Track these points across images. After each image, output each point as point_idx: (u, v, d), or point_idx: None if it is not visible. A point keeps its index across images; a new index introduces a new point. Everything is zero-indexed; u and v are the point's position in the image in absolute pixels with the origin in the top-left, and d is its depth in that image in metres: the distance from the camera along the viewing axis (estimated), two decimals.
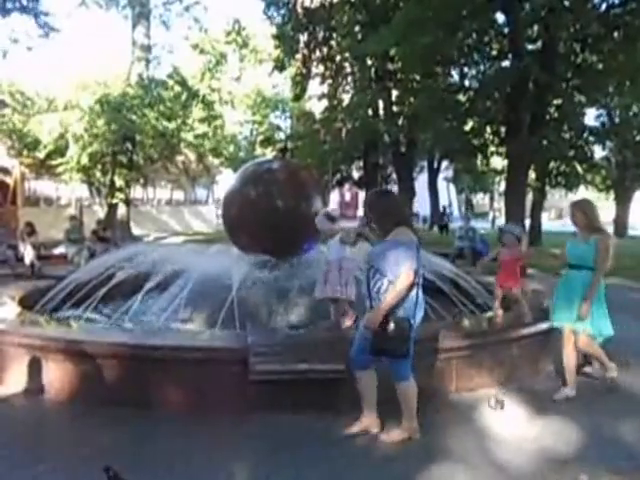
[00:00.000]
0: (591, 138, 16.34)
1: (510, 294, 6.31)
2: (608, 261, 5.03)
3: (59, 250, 14.51)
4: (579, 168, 19.24)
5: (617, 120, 19.70)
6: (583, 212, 5.21)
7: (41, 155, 25.12)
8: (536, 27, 13.53)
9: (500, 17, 13.41)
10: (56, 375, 5.04)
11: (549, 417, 4.73)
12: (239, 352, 4.80)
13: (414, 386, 4.24)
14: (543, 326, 6.00)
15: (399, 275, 3.99)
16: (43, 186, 28.79)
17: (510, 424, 4.61)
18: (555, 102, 14.24)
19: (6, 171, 22.14)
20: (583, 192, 33.64)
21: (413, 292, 4.09)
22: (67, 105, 26.29)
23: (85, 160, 23.23)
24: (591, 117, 19.72)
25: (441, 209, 33.90)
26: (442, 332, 5.52)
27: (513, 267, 6.18)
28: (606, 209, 36.91)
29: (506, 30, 13.34)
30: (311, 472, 3.81)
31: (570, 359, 5.18)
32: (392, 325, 3.96)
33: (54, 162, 24.49)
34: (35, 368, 5.01)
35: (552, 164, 19.46)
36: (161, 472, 3.81)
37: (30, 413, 4.70)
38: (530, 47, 13.76)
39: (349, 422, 4.36)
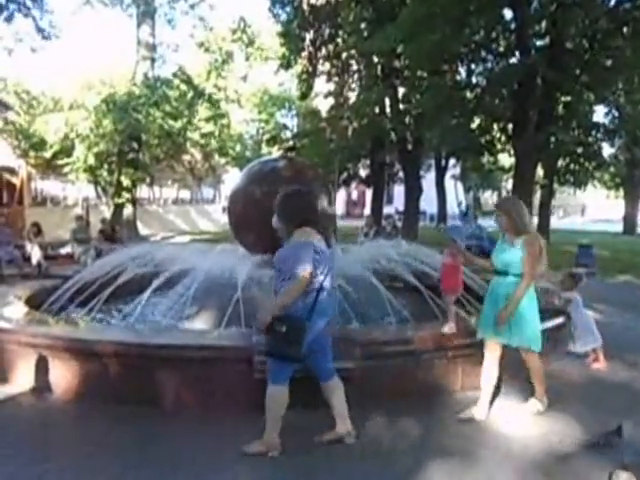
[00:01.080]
0: (599, 135, 16.24)
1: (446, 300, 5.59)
2: (538, 266, 4.56)
3: (66, 250, 14.55)
4: (588, 165, 19.15)
5: (626, 117, 19.57)
6: (507, 212, 4.69)
7: (47, 155, 25.26)
8: (544, 23, 13.46)
9: (507, 13, 13.35)
10: (62, 374, 5.06)
11: (554, 415, 4.72)
12: (244, 351, 4.78)
13: (282, 396, 4.05)
14: (548, 324, 5.97)
15: (293, 277, 3.89)
16: (50, 186, 28.96)
17: (515, 421, 4.61)
18: (563, 99, 14.16)
19: (12, 171, 22.18)
20: (592, 190, 33.54)
21: (311, 296, 3.92)
22: (73, 105, 26.42)
23: (91, 160, 23.31)
24: (600, 114, 19.60)
25: (463, 208, 33.27)
26: (447, 331, 5.49)
27: (450, 272, 5.31)
28: (616, 207, 36.94)
29: (513, 26, 13.27)
30: (317, 470, 3.81)
31: (487, 374, 4.71)
32: (283, 328, 3.78)
33: (60, 162, 24.62)
34: (42, 367, 5.02)
35: (560, 162, 19.37)
36: (166, 471, 3.81)
37: (37, 412, 4.70)
38: (538, 43, 13.69)
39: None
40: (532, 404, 4.80)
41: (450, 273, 5.25)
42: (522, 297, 4.49)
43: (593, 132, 16.13)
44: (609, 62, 12.84)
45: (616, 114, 19.45)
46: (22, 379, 5.16)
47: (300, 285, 3.83)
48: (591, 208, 57.50)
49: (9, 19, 17.80)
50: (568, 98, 14.03)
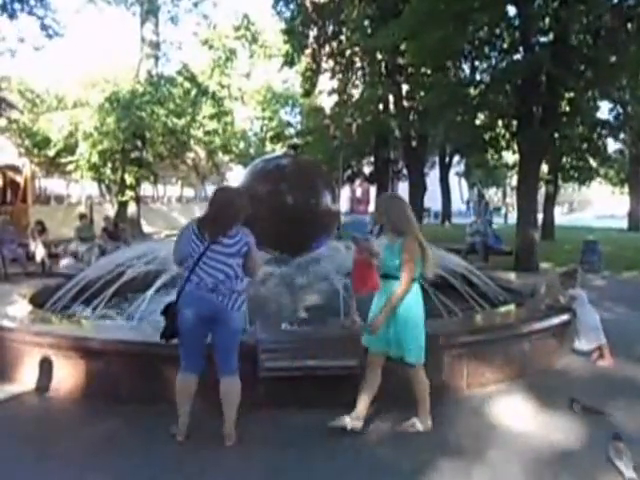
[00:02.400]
0: (604, 131, 16.19)
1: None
2: (421, 269, 4.23)
3: (70, 248, 14.57)
4: (592, 162, 19.10)
5: (632, 113, 19.48)
6: (385, 212, 4.41)
7: (51, 153, 25.22)
8: (548, 20, 13.39)
9: (511, 10, 13.29)
10: (66, 373, 5.06)
11: (561, 413, 4.70)
12: (248, 349, 4.76)
13: (182, 382, 4.22)
14: (554, 321, 5.97)
15: None
16: (53, 184, 28.94)
17: (521, 420, 4.59)
18: (567, 95, 14.09)
19: (16, 169, 22.22)
20: (596, 186, 33.45)
21: (180, 285, 4.16)
22: (76, 103, 26.44)
23: (95, 158, 23.30)
24: (605, 110, 19.52)
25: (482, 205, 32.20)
26: (453, 328, 5.48)
27: (361, 269, 4.78)
28: (621, 203, 36.83)
29: (517, 23, 13.21)
30: (321, 468, 3.81)
31: (367, 384, 4.36)
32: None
33: (64, 160, 24.60)
34: (46, 366, 5.02)
35: (565, 158, 19.30)
36: (171, 467, 3.82)
37: (41, 410, 4.71)
38: (542, 40, 13.61)
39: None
40: (411, 424, 4.36)
41: (361, 269, 4.85)
42: (397, 303, 4.12)
43: (597, 128, 16.08)
44: (613, 58, 12.77)
45: (620, 110, 19.39)
46: (26, 378, 5.16)
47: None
48: (596, 204, 57.36)
49: (12, 16, 17.79)
50: (572, 94, 13.96)
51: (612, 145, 20.69)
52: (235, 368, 4.17)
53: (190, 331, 4.08)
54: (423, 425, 4.34)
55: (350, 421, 4.22)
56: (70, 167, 24.27)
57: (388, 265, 4.26)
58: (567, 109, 14.25)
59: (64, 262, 12.46)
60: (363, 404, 4.30)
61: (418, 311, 4.25)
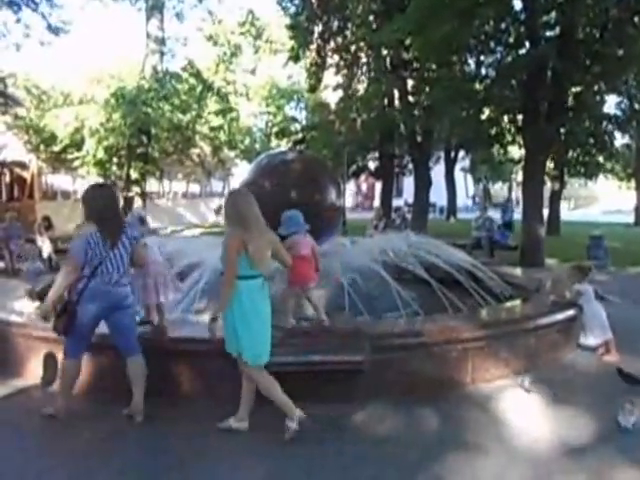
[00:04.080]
0: (610, 126, 16.09)
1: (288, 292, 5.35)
2: (245, 267, 4.08)
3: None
4: (599, 157, 18.98)
5: (638, 107, 19.34)
6: (225, 207, 4.43)
7: (57, 149, 25.33)
8: (554, 13, 13.31)
9: (517, 3, 13.22)
10: None
11: (567, 408, 4.70)
12: None
13: (73, 368, 4.49)
14: (560, 316, 5.96)
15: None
16: (60, 180, 29.06)
17: (527, 414, 4.59)
18: (573, 90, 14.02)
19: (23, 165, 22.33)
20: (603, 181, 33.29)
21: (82, 282, 4.33)
22: (82, 99, 26.52)
23: (101, 154, 23.39)
24: (611, 104, 19.41)
25: (502, 201, 30.65)
26: (458, 323, 5.48)
27: (298, 264, 4.98)
28: (628, 198, 36.63)
29: (523, 17, 13.14)
30: (324, 463, 3.82)
31: (244, 385, 4.33)
32: (58, 307, 4.36)
33: (70, 156, 24.72)
34: (52, 361, 5.02)
35: (571, 153, 19.19)
36: (174, 463, 3.83)
37: (46, 405, 4.71)
38: (548, 34, 13.53)
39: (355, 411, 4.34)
40: (226, 424, 4.27)
41: (298, 264, 4.95)
42: (223, 301, 4.07)
43: (604, 123, 15.99)
44: (620, 52, 12.68)
45: (628, 104, 19.27)
46: (33, 373, 5.18)
47: (64, 272, 4.35)
48: (603, 199, 57.08)
49: (16, 11, 17.85)
50: (578, 89, 13.88)
51: (619, 140, 20.54)
52: (139, 347, 4.60)
53: (91, 323, 4.43)
54: (239, 424, 4.26)
55: (234, 422, 4.26)
56: (76, 163, 24.39)
57: (221, 260, 4.22)
58: (573, 103, 14.16)
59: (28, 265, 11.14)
60: (244, 406, 4.29)
61: (252, 309, 4.10)
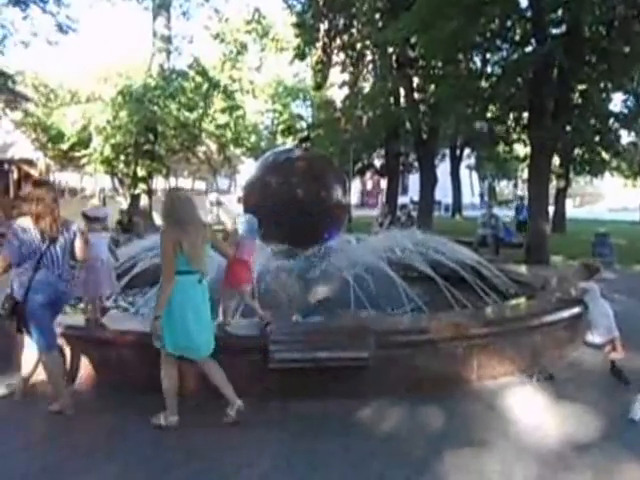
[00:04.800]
0: (616, 124, 16.04)
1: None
2: (180, 264, 4.19)
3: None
4: (604, 154, 18.91)
5: None
6: (162, 206, 4.59)
7: (65, 147, 25.41)
8: (560, 11, 13.28)
9: (523, 1, 13.19)
10: (80, 362, 5.15)
11: (572, 404, 4.73)
12: (259, 340, 4.83)
13: (51, 360, 4.57)
14: (565, 314, 5.97)
15: None
16: (67, 177, 29.20)
17: (533, 411, 4.61)
18: (580, 87, 13.99)
19: (31, 163, 22.47)
20: (608, 178, 33.17)
21: (25, 276, 4.39)
22: (90, 97, 26.60)
23: (108, 151, 23.42)
24: (617, 102, 19.30)
25: (517, 200, 29.09)
26: (464, 320, 5.51)
27: (236, 268, 5.11)
28: (634, 195, 36.50)
29: (529, 14, 13.11)
30: (331, 458, 3.84)
31: (212, 379, 4.43)
32: (6, 306, 4.48)
33: (78, 154, 24.79)
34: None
35: (577, 150, 19.14)
36: (181, 458, 3.86)
37: (53, 402, 4.74)
38: (554, 31, 13.50)
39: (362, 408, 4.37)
40: (155, 418, 4.38)
41: (237, 267, 5.06)
42: (165, 296, 4.17)
43: (610, 120, 15.95)
44: (627, 49, 12.65)
45: (634, 102, 19.18)
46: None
47: None
48: (609, 196, 56.86)
49: (24, 9, 17.93)
50: (585, 86, 13.86)
51: (625, 137, 20.45)
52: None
53: (46, 313, 4.50)
54: (166, 421, 4.34)
55: (164, 418, 4.34)
56: (84, 160, 24.45)
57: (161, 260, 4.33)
58: (579, 101, 14.13)
59: None
60: (226, 392, 4.36)
61: (187, 303, 4.22)
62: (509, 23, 14.05)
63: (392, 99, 21.76)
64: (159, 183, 31.36)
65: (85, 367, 5.12)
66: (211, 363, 4.39)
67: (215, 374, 4.38)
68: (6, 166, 22.97)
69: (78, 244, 4.71)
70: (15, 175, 22.88)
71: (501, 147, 21.28)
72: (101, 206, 5.81)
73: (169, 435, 4.19)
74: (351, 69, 23.46)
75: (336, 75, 25.01)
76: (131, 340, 5.09)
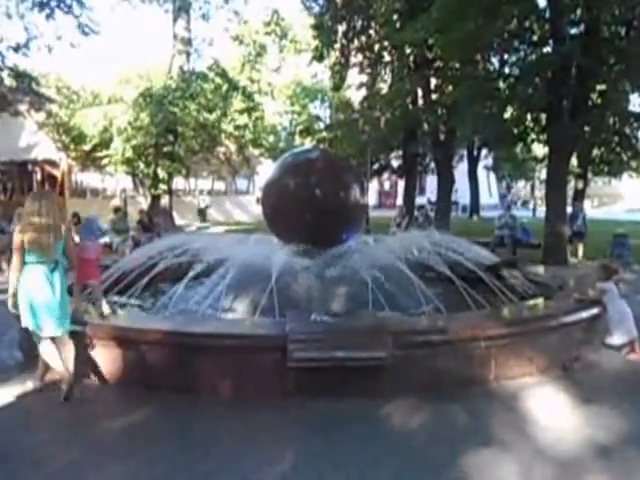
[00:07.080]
0: (635, 124, 15.90)
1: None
2: (30, 255, 4.81)
3: (104, 240, 14.87)
4: (623, 155, 18.74)
5: None
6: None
7: (87, 148, 25.75)
8: (579, 11, 13.22)
9: (541, 1, 13.15)
10: (102, 361, 5.23)
11: (591, 405, 4.70)
12: (278, 339, 4.87)
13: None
14: (583, 315, 5.97)
15: None
16: (89, 178, 29.54)
17: (551, 412, 4.59)
18: (598, 88, 13.90)
19: (54, 164, 22.76)
20: (627, 179, 32.83)
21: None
22: (111, 99, 26.95)
23: (129, 152, 23.73)
24: (636, 102, 19.13)
25: (571, 207, 27.55)
26: (481, 321, 5.53)
27: (86, 266, 5.89)
28: None
29: (547, 15, 13.07)
30: (350, 457, 3.86)
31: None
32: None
33: (99, 154, 25.12)
34: (81, 354, 5.17)
35: (595, 151, 19.00)
36: (201, 454, 3.89)
37: (76, 398, 4.81)
38: (572, 31, 13.44)
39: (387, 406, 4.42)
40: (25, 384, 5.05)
41: (84, 265, 5.72)
42: (13, 283, 4.84)
43: (630, 120, 15.82)
44: None
45: None
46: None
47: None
48: (627, 197, 56.23)
49: (50, 15, 18.20)
50: (603, 87, 13.76)
51: None
52: None
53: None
54: (33, 384, 5.03)
55: (30, 382, 5.06)
56: (105, 161, 24.76)
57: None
58: (598, 101, 14.03)
59: None
60: (40, 369, 5.09)
61: (34, 289, 4.79)
62: (527, 23, 14.00)
63: (410, 100, 21.74)
64: (179, 183, 31.58)
65: (111, 365, 5.21)
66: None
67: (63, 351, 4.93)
68: (30, 167, 23.32)
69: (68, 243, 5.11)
70: (39, 176, 23.24)
71: (519, 148, 21.18)
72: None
73: (191, 432, 4.24)
74: (369, 70, 23.48)
75: (354, 76, 25.06)
76: (154, 339, 5.17)
